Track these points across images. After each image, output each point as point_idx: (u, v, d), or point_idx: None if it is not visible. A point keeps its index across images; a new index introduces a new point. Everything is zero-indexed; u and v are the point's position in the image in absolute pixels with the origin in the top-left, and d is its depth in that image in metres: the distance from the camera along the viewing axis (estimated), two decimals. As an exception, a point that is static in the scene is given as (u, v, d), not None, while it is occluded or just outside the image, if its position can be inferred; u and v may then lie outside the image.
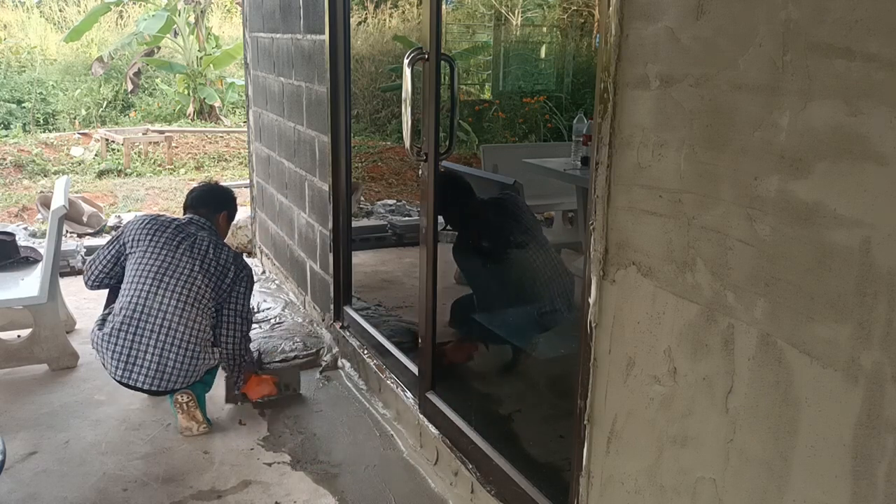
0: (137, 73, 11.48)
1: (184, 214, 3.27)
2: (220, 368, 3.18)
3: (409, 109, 2.45)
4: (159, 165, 9.43)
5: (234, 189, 3.56)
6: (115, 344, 2.87)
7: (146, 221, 3.08)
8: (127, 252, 3.05)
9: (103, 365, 2.95)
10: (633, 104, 1.52)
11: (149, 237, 3.02)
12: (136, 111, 11.81)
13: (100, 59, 11.34)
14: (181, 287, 2.92)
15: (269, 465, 2.78)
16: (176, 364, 2.86)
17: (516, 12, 8.72)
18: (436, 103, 2.50)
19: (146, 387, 2.87)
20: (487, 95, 8.70)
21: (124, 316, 2.89)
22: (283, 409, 3.18)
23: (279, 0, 4.15)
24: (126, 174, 9.01)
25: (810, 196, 1.18)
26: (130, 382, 2.87)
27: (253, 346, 3.38)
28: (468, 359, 3.31)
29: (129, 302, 2.91)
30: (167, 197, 7.88)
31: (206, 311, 2.98)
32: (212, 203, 3.30)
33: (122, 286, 2.99)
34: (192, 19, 11.65)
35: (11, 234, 4.01)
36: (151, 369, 2.85)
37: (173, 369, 2.86)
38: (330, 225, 3.60)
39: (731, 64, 1.30)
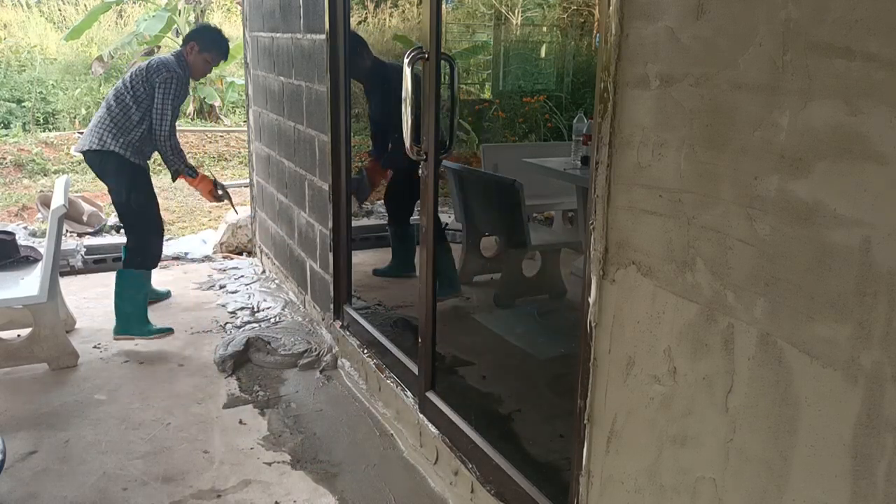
0: (137, 73, 11.46)
1: None
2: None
3: (409, 109, 2.45)
4: (159, 165, 9.40)
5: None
6: None
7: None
8: None
9: None
10: (633, 104, 1.52)
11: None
12: (136, 110, 11.79)
13: (100, 59, 11.32)
14: (113, 91, 3.76)
15: (269, 464, 2.78)
16: (92, 129, 3.71)
17: (516, 12, 8.73)
18: (436, 103, 2.50)
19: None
20: (487, 95, 8.70)
21: None
22: (283, 409, 3.18)
23: (279, -1, 4.16)
24: (126, 173, 8.99)
25: (810, 196, 1.18)
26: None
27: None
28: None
29: None
30: (167, 196, 7.87)
31: (128, 106, 3.69)
32: (189, 38, 3.88)
33: None
34: (192, 18, 11.64)
35: (11, 234, 4.01)
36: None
37: (90, 133, 3.72)
38: (330, 224, 3.60)
39: (731, 63, 1.30)
